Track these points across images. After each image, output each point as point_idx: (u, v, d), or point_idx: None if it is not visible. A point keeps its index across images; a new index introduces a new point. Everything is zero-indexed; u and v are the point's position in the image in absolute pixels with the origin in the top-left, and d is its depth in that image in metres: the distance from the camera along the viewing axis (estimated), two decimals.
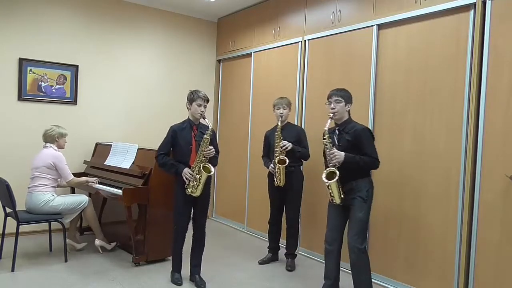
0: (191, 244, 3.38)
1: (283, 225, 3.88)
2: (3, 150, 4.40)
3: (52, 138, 3.87)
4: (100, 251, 4.03)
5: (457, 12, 3.06)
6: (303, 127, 4.31)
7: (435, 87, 3.18)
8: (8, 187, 3.44)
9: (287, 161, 3.58)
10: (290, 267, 3.79)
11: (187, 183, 3.21)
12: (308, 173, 4.23)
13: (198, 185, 3.20)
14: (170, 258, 3.79)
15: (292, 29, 4.52)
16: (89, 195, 4.22)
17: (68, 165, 3.84)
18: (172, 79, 5.53)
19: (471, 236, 2.93)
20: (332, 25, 4.02)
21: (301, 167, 3.85)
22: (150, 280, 3.43)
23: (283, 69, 4.63)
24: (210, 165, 3.22)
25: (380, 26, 3.58)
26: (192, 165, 3.23)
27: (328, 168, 2.85)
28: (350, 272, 2.92)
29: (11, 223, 3.63)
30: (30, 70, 4.53)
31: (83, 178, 4.06)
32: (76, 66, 4.79)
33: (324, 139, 2.87)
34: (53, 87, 4.68)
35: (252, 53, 5.11)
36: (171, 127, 3.34)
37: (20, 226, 3.54)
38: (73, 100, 4.80)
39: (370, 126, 3.58)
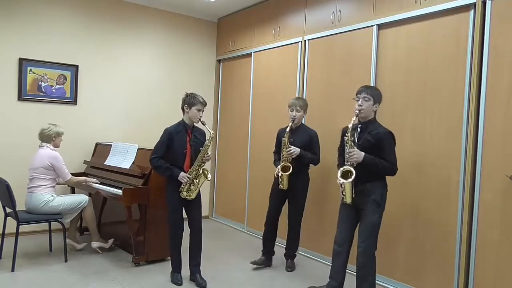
0: (188, 243, 3.38)
1: (285, 226, 3.84)
2: (3, 150, 4.40)
3: (49, 137, 3.86)
4: (99, 251, 4.02)
5: (457, 12, 3.06)
6: None
7: (435, 87, 3.18)
8: (8, 187, 3.44)
9: (291, 169, 3.47)
10: (290, 268, 3.79)
11: (182, 187, 3.21)
12: (310, 173, 4.24)
13: (196, 189, 3.22)
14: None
15: (292, 29, 4.52)
16: (89, 195, 4.22)
17: (66, 165, 3.84)
18: (172, 79, 5.53)
19: (471, 236, 2.93)
20: (332, 25, 4.02)
21: (308, 169, 3.77)
22: (150, 280, 3.43)
23: (283, 69, 4.63)
24: (208, 170, 3.28)
25: (380, 26, 3.58)
26: (189, 170, 3.24)
27: (345, 167, 2.80)
28: (353, 273, 2.91)
29: (11, 223, 3.63)
30: (30, 70, 4.53)
31: (82, 178, 4.06)
32: (76, 66, 4.79)
33: (346, 136, 2.81)
34: (53, 87, 4.68)
35: (252, 53, 5.11)
36: (167, 129, 3.30)
37: (20, 226, 3.53)
38: (73, 100, 4.80)
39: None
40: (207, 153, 3.26)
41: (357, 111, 2.83)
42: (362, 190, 2.81)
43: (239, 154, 5.33)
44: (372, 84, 3.59)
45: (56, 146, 3.91)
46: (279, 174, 3.53)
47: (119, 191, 3.68)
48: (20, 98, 4.48)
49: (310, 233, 4.23)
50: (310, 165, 3.76)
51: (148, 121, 5.28)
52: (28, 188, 3.74)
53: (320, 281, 3.35)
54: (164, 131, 3.30)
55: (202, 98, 3.31)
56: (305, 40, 4.33)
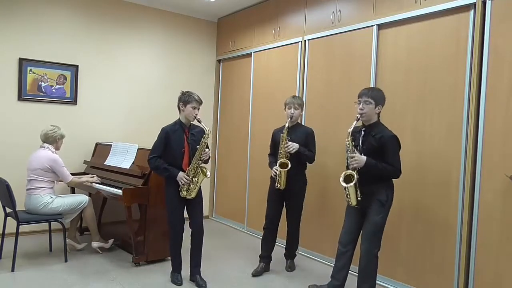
0: (190, 244, 3.38)
1: (284, 227, 3.81)
2: (3, 150, 4.40)
3: (53, 139, 3.85)
4: (100, 251, 4.02)
5: (457, 12, 3.06)
6: None
7: (435, 87, 3.18)
8: (8, 187, 3.44)
9: (289, 165, 3.42)
10: (290, 268, 3.79)
11: (181, 186, 3.21)
12: (309, 172, 4.24)
13: (195, 188, 3.21)
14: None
15: (292, 29, 4.52)
16: (89, 195, 4.22)
17: (66, 167, 3.84)
18: (172, 79, 5.53)
19: (471, 236, 2.93)
20: (332, 25, 4.02)
21: (305, 170, 3.74)
22: (150, 280, 3.43)
23: (283, 69, 4.63)
24: (206, 168, 3.25)
25: (380, 26, 3.58)
26: (187, 169, 3.23)
27: (347, 171, 2.80)
28: (354, 273, 2.91)
29: (11, 223, 3.63)
30: (30, 70, 4.53)
31: (84, 178, 4.05)
32: (76, 66, 4.79)
33: (347, 140, 2.79)
34: (53, 87, 4.68)
35: (252, 53, 5.11)
36: (163, 128, 3.29)
37: (20, 226, 3.54)
38: (73, 100, 4.80)
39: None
40: (205, 151, 3.24)
41: (358, 115, 2.81)
42: (368, 192, 2.80)
43: (239, 154, 5.33)
44: (372, 84, 3.59)
45: (57, 148, 3.91)
46: (277, 171, 3.47)
47: (119, 191, 3.68)
48: (20, 98, 4.48)
49: (310, 233, 4.23)
50: (310, 165, 3.75)
51: (148, 121, 5.28)
52: (27, 189, 3.74)
53: (320, 281, 3.35)
54: (161, 130, 3.30)
55: (197, 96, 3.28)
56: (305, 40, 4.33)
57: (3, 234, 3.76)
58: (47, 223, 4.06)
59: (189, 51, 5.68)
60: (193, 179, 3.21)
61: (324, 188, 4.06)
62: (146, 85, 5.34)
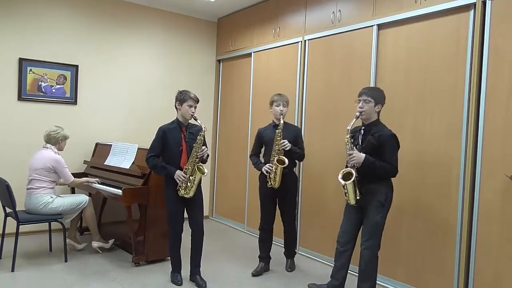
0: (190, 244, 3.38)
1: (280, 227, 3.79)
2: (3, 150, 4.40)
3: (56, 140, 3.86)
4: (100, 251, 4.03)
5: (457, 12, 3.06)
6: (303, 127, 4.31)
7: (435, 87, 3.18)
8: (8, 187, 3.44)
9: (287, 161, 3.41)
10: (290, 268, 3.79)
11: (179, 185, 3.21)
12: (309, 172, 4.24)
13: (192, 187, 3.21)
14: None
15: (292, 29, 4.52)
16: (89, 195, 4.22)
17: (67, 167, 3.84)
18: (172, 79, 5.52)
19: (471, 236, 2.93)
20: (332, 25, 4.02)
21: (295, 168, 3.73)
22: (150, 280, 3.43)
23: (283, 69, 4.63)
24: (203, 165, 3.24)
25: (380, 26, 3.58)
26: (184, 167, 3.22)
27: (345, 169, 2.81)
28: (354, 273, 2.91)
29: (11, 223, 3.63)
30: (30, 70, 4.53)
31: (84, 179, 4.06)
32: (76, 66, 4.79)
33: (346, 138, 2.81)
34: (53, 87, 4.68)
35: (252, 53, 5.11)
36: (160, 127, 3.29)
37: (20, 226, 3.54)
38: (73, 100, 4.80)
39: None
40: (202, 148, 3.22)
41: (357, 113, 2.83)
42: (367, 190, 2.81)
43: (239, 154, 5.32)
44: (372, 84, 3.59)
45: (60, 149, 3.91)
46: (273, 167, 3.43)
47: (119, 191, 3.68)
48: (20, 98, 4.48)
49: (310, 233, 4.23)
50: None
51: (148, 121, 5.27)
52: (27, 189, 3.74)
53: (320, 281, 3.34)
54: (158, 129, 3.29)
55: (194, 94, 3.28)
56: (305, 40, 4.33)
57: (3, 234, 3.77)
58: (47, 223, 4.06)
59: (189, 51, 5.68)
60: (190, 177, 3.21)
61: (324, 187, 4.06)
62: (146, 85, 5.34)
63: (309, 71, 4.30)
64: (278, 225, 3.76)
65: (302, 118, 4.34)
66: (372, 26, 3.62)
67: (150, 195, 3.74)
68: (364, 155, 2.76)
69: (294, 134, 3.59)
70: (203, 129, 3.23)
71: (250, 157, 3.79)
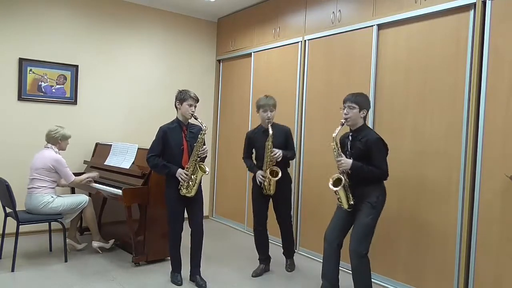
0: (190, 244, 3.38)
1: (277, 226, 3.79)
2: (3, 150, 4.40)
3: (55, 139, 3.86)
4: (100, 251, 4.03)
5: (457, 12, 3.06)
6: (303, 127, 4.31)
7: (435, 87, 3.18)
8: (8, 187, 3.44)
9: (280, 173, 3.39)
10: (290, 268, 3.79)
11: (181, 183, 3.21)
12: (309, 172, 4.24)
13: (194, 186, 3.21)
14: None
15: (292, 29, 4.52)
16: (89, 195, 4.22)
17: (68, 167, 3.84)
18: (172, 79, 5.52)
19: (471, 236, 2.93)
20: (332, 25, 4.02)
21: (289, 168, 3.68)
22: (150, 280, 3.43)
23: (283, 69, 4.63)
24: (204, 165, 3.24)
25: (380, 26, 3.58)
26: (186, 166, 3.23)
27: (335, 175, 2.82)
28: (351, 273, 2.92)
29: (11, 223, 3.63)
30: (30, 70, 4.53)
31: (84, 176, 4.05)
32: (76, 66, 4.79)
33: (332, 144, 2.82)
34: (53, 87, 4.68)
35: (252, 53, 5.11)
36: (161, 127, 3.29)
37: (20, 226, 3.54)
38: (73, 100, 4.80)
39: (370, 126, 3.58)
40: (202, 147, 3.22)
41: (343, 120, 2.85)
42: (359, 194, 2.83)
43: (239, 154, 5.30)
44: (372, 84, 3.60)
45: (61, 149, 3.91)
46: (266, 179, 3.41)
47: (119, 191, 3.68)
48: (20, 98, 4.48)
49: (310, 233, 4.23)
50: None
51: (148, 121, 5.27)
52: (28, 188, 3.74)
53: (320, 281, 3.34)
54: (158, 129, 3.30)
55: (194, 93, 3.28)
56: (305, 40, 4.33)
57: (3, 234, 3.77)
58: (47, 223, 4.06)
59: (189, 51, 5.68)
60: (192, 176, 3.21)
61: (324, 188, 4.03)
62: (146, 85, 5.34)
63: (309, 71, 4.30)
64: (276, 225, 3.76)
65: (302, 118, 4.34)
66: (372, 26, 3.62)
67: (150, 195, 3.74)
68: (351, 160, 2.78)
69: (284, 136, 3.55)
70: (204, 128, 3.23)
71: (243, 159, 3.75)
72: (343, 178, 2.77)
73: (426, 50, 3.25)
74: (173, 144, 3.25)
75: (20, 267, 3.57)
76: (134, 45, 5.22)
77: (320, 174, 4.07)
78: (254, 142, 3.62)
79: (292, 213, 3.82)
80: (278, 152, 3.39)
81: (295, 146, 3.86)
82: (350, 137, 2.92)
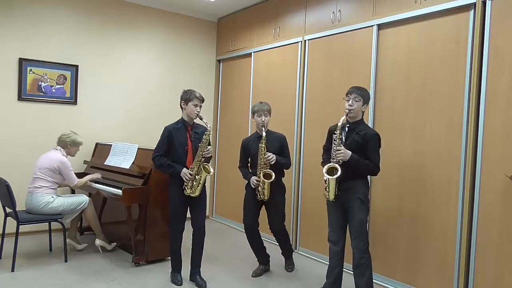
0: (191, 244, 3.38)
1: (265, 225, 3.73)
2: (3, 150, 4.39)
3: (64, 143, 3.87)
4: (100, 251, 4.03)
5: (457, 12, 3.06)
6: (303, 127, 4.31)
7: (435, 87, 3.18)
8: (8, 187, 3.44)
9: (273, 176, 3.35)
10: (290, 267, 3.79)
11: (185, 184, 3.20)
12: (309, 172, 4.24)
13: (198, 186, 3.21)
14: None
15: (292, 29, 4.52)
16: (89, 195, 4.22)
17: (72, 170, 3.84)
18: (172, 79, 5.53)
19: (471, 236, 2.93)
20: (332, 25, 4.02)
21: (283, 178, 3.64)
22: (150, 280, 3.43)
23: (283, 69, 4.63)
24: (208, 165, 3.24)
25: (380, 26, 3.58)
26: (190, 166, 3.23)
27: (330, 164, 2.83)
28: (352, 272, 2.93)
29: (11, 223, 3.63)
30: (30, 70, 4.53)
31: (87, 177, 4.04)
32: (76, 66, 4.79)
33: (335, 133, 2.85)
34: (53, 87, 4.68)
35: (252, 53, 5.11)
36: (166, 127, 3.30)
37: (20, 226, 3.54)
38: (73, 100, 4.80)
39: (370, 126, 3.58)
40: (207, 148, 3.23)
41: (347, 111, 2.88)
42: (346, 188, 2.86)
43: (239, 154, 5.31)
44: (372, 84, 3.60)
45: (69, 154, 3.91)
46: (260, 182, 3.39)
47: (119, 191, 3.68)
48: (20, 98, 4.48)
49: (310, 233, 4.23)
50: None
51: (148, 121, 5.28)
52: (29, 187, 3.74)
53: (320, 280, 3.34)
54: (163, 129, 3.30)
55: (199, 93, 3.28)
56: (305, 40, 4.33)
57: (3, 234, 3.76)
58: (47, 223, 4.06)
59: (189, 51, 5.67)
60: (196, 176, 3.21)
61: (322, 187, 4.04)
62: (146, 85, 5.34)
63: (309, 71, 4.30)
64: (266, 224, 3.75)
65: (302, 118, 4.34)
66: (372, 26, 3.62)
67: (150, 195, 3.74)
68: (350, 152, 2.81)
69: (278, 144, 3.52)
70: (208, 129, 3.23)
71: (239, 168, 3.70)
72: (339, 168, 2.77)
73: (426, 50, 3.25)
74: (178, 145, 3.25)
75: (20, 267, 3.57)
76: (134, 45, 5.22)
77: (320, 174, 4.04)
78: (249, 149, 3.58)
79: (291, 215, 3.80)
80: (272, 155, 3.38)
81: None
82: (346, 128, 2.93)
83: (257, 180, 3.43)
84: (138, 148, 4.19)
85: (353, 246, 2.85)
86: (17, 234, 3.52)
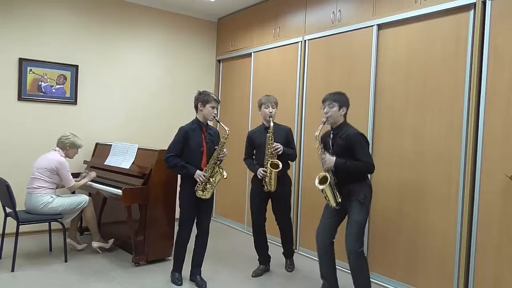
0: (194, 244, 3.38)
1: (275, 225, 3.78)
2: (3, 150, 4.39)
3: (63, 145, 3.86)
4: (100, 251, 4.02)
5: (457, 12, 3.06)
6: (303, 126, 4.31)
7: (435, 87, 3.18)
8: (8, 187, 3.44)
9: (281, 165, 3.38)
10: (290, 268, 3.79)
11: (197, 185, 3.19)
12: (309, 172, 4.24)
13: (212, 188, 3.21)
14: (170, 258, 3.80)
15: (292, 29, 4.52)
16: (89, 195, 4.22)
17: (70, 171, 3.84)
18: (172, 79, 5.53)
19: (471, 236, 2.93)
20: (332, 25, 4.02)
21: (289, 171, 3.69)
22: (150, 280, 3.43)
23: (283, 69, 4.63)
24: (223, 168, 3.26)
25: (380, 26, 3.58)
26: (205, 168, 3.22)
27: (320, 173, 2.86)
28: (349, 272, 2.92)
29: (11, 223, 3.63)
30: (30, 70, 4.53)
31: (83, 180, 4.03)
32: (76, 66, 4.79)
33: (316, 143, 2.89)
34: (53, 87, 4.68)
35: (252, 53, 5.11)
36: (182, 127, 3.26)
37: (20, 226, 3.54)
38: (73, 100, 4.80)
39: (370, 126, 3.59)
40: (223, 151, 3.24)
41: (323, 119, 2.92)
42: (346, 192, 2.87)
43: (239, 154, 5.30)
44: (372, 84, 3.60)
45: (67, 156, 3.90)
46: (267, 171, 3.42)
47: (119, 191, 3.68)
48: (20, 98, 4.48)
49: (310, 233, 4.22)
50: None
51: (148, 121, 5.28)
52: (28, 188, 3.74)
53: (320, 281, 3.34)
54: (179, 129, 3.27)
55: (216, 95, 3.31)
56: (305, 40, 4.33)
57: (3, 234, 3.76)
58: (47, 223, 4.06)
59: (189, 51, 5.67)
60: (210, 179, 3.20)
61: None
62: (146, 85, 5.34)
63: (309, 71, 4.30)
64: (275, 226, 3.76)
65: (302, 118, 4.34)
66: (372, 26, 3.62)
67: (150, 195, 3.74)
68: (334, 158, 2.81)
69: (285, 135, 3.57)
70: (227, 131, 3.24)
71: (244, 161, 3.76)
72: (329, 176, 2.79)
73: (426, 50, 3.25)
74: (194, 146, 3.23)
75: (20, 267, 3.57)
76: (134, 45, 5.22)
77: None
78: (254, 141, 3.63)
79: (292, 215, 3.82)
80: (279, 145, 3.43)
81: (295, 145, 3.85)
82: (331, 135, 2.96)
83: (264, 171, 3.45)
84: (138, 148, 4.19)
85: (348, 248, 2.82)
86: (17, 234, 3.52)
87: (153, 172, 3.75)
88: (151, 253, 3.79)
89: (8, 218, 3.68)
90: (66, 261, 3.75)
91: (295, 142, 4.31)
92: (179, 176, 3.50)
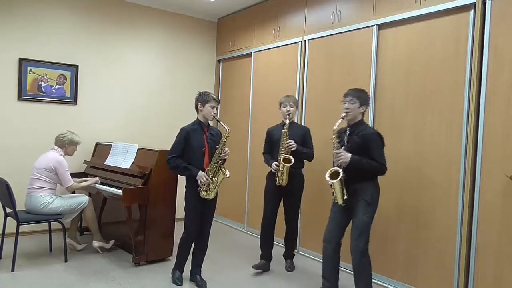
0: (193, 245, 3.38)
1: (281, 228, 3.80)
2: (3, 150, 4.39)
3: (61, 143, 3.86)
4: (100, 251, 4.03)
5: (457, 12, 3.06)
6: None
7: (435, 87, 3.18)
8: (8, 187, 3.44)
9: (293, 160, 3.46)
10: (290, 268, 3.79)
11: (200, 186, 3.19)
12: (309, 171, 4.23)
13: (215, 188, 3.21)
14: (170, 258, 3.81)
15: (292, 29, 4.52)
16: (89, 195, 4.22)
17: (69, 171, 3.83)
18: (172, 79, 5.53)
19: (471, 236, 2.93)
20: (332, 25, 4.02)
21: (303, 169, 3.76)
22: (150, 280, 3.43)
23: (283, 69, 4.63)
24: (225, 168, 3.26)
25: (380, 26, 3.58)
26: (207, 168, 3.22)
27: (332, 168, 2.83)
28: (351, 272, 2.92)
29: (11, 223, 3.63)
30: (30, 70, 4.53)
31: (85, 183, 4.01)
32: (76, 66, 4.79)
33: (333, 137, 2.86)
34: (53, 87, 4.68)
35: (252, 53, 5.11)
36: (183, 128, 3.26)
37: (20, 226, 3.53)
38: (73, 100, 4.80)
39: (370, 126, 3.58)
40: (224, 150, 3.25)
41: (343, 114, 2.89)
42: (353, 191, 2.85)
43: (239, 154, 5.32)
44: (372, 84, 3.60)
45: (67, 153, 3.90)
46: (280, 166, 3.49)
47: (119, 191, 3.68)
48: (20, 98, 4.48)
49: (310, 233, 4.23)
50: (310, 165, 3.75)
51: (148, 121, 5.28)
52: (28, 188, 3.74)
53: (320, 281, 3.34)
54: (180, 130, 3.27)
55: (215, 95, 3.32)
56: (305, 40, 4.33)
57: (3, 234, 3.76)
58: (47, 223, 4.06)
59: (189, 51, 5.68)
60: (213, 178, 3.20)
61: (324, 187, 4.04)
62: (146, 85, 5.34)
63: (309, 71, 4.30)
64: (279, 226, 3.76)
65: (302, 118, 4.34)
66: (372, 26, 3.62)
67: (150, 195, 3.74)
68: (350, 154, 2.80)
69: (301, 134, 3.64)
70: (227, 131, 3.24)
71: (263, 155, 3.86)
72: (340, 171, 2.77)
73: (426, 50, 3.25)
74: (195, 146, 3.22)
75: (20, 267, 3.57)
76: (134, 45, 5.22)
77: (320, 174, 4.05)
78: (272, 137, 3.72)
79: (300, 206, 3.85)
80: (293, 141, 3.50)
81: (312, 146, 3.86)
82: (347, 132, 2.94)
83: (276, 165, 3.53)
84: (138, 148, 4.19)
85: (353, 248, 2.83)
86: (17, 234, 3.52)
87: (153, 172, 3.75)
88: (151, 253, 3.79)
89: (8, 218, 3.68)
90: (66, 261, 3.75)
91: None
92: (179, 176, 3.50)
